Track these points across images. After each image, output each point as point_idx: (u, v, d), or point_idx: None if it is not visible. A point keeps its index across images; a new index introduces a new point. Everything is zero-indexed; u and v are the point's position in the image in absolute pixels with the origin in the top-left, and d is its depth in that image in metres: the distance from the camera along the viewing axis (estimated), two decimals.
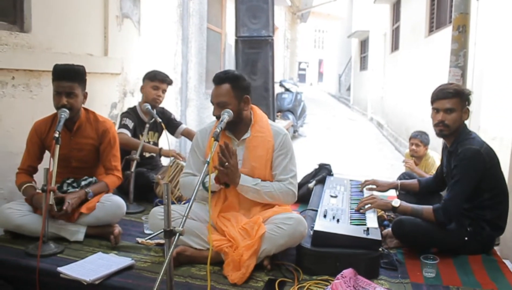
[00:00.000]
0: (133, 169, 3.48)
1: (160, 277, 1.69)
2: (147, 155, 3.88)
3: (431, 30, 8.24)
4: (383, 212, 3.23)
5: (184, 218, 1.90)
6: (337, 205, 3.01)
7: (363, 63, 18.64)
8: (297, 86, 12.39)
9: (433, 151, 4.48)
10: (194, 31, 6.89)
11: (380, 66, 14.07)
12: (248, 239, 2.48)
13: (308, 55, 32.95)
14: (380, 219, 3.12)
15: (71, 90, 2.82)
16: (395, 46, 12.10)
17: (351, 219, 2.77)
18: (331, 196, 3.19)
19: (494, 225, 2.77)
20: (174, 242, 1.82)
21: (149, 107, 3.67)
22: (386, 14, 13.31)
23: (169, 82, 3.90)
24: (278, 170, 2.72)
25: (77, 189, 2.93)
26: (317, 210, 2.91)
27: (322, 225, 2.59)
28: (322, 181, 3.78)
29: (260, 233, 2.45)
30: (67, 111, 2.77)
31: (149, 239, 2.72)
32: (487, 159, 2.71)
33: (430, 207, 2.72)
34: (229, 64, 8.76)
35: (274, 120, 6.03)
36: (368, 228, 2.57)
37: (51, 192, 2.57)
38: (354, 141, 11.03)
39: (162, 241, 2.73)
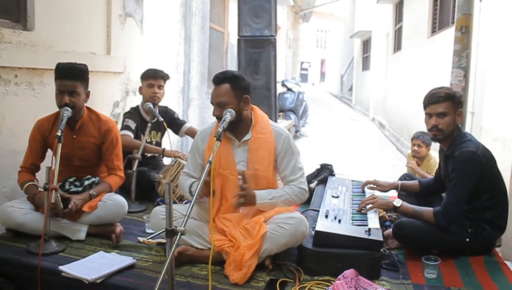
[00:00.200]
0: (135, 168, 3.48)
1: (161, 277, 1.69)
2: (149, 154, 3.88)
3: (433, 31, 8.22)
4: (384, 212, 3.23)
5: (186, 217, 1.90)
6: (339, 205, 3.01)
7: (365, 63, 18.61)
8: (299, 86, 12.37)
9: (435, 152, 4.45)
10: (196, 31, 6.89)
11: (382, 67, 14.05)
12: (250, 238, 2.48)
13: (310, 55, 32.91)
14: (382, 220, 3.11)
15: (73, 89, 2.82)
16: (397, 46, 12.08)
17: (352, 220, 2.77)
18: (333, 196, 3.19)
19: (495, 225, 2.77)
20: (176, 242, 1.82)
21: (151, 106, 3.68)
22: (389, 14, 13.29)
23: (163, 76, 3.88)
24: (287, 172, 2.74)
25: (79, 188, 2.94)
26: (318, 210, 2.91)
27: (323, 225, 2.59)
28: (324, 181, 3.78)
29: (262, 233, 2.45)
30: (70, 110, 2.77)
31: (151, 238, 2.74)
32: (484, 160, 2.71)
33: (431, 209, 2.72)
34: (232, 63, 8.76)
35: (276, 120, 6.03)
36: (369, 229, 2.56)
37: (54, 191, 2.57)
38: (356, 141, 11.02)
39: (163, 241, 2.73)
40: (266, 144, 2.72)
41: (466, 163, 2.69)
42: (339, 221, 2.70)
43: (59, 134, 2.58)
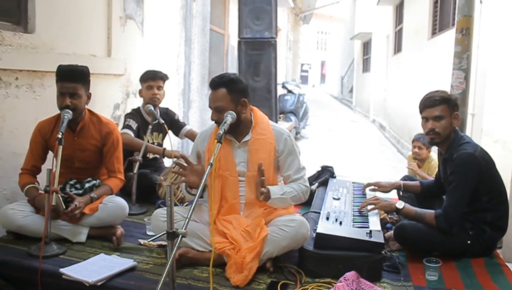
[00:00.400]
0: (135, 170, 3.48)
1: (162, 279, 1.69)
2: (150, 156, 3.88)
3: (434, 33, 8.22)
4: (385, 214, 3.23)
5: (187, 220, 1.90)
6: (340, 207, 3.01)
7: (366, 65, 18.62)
8: (299, 88, 12.38)
9: (436, 153, 4.46)
10: (197, 33, 6.90)
11: (382, 68, 14.05)
12: (251, 241, 2.48)
13: (311, 56, 32.94)
14: (383, 222, 3.11)
15: (74, 91, 2.82)
16: (398, 48, 12.09)
17: (353, 222, 2.77)
18: (334, 198, 3.18)
19: (495, 227, 2.77)
20: (177, 244, 1.82)
21: (152, 108, 3.68)
22: (389, 16, 13.30)
23: (161, 77, 3.88)
24: (291, 171, 2.74)
25: (80, 190, 2.94)
26: (319, 212, 2.91)
27: (324, 227, 2.59)
28: (324, 183, 3.78)
29: (263, 235, 2.45)
30: (70, 112, 2.77)
31: (152, 240, 2.73)
32: (482, 162, 2.71)
33: (433, 212, 2.72)
34: (232, 65, 8.76)
35: (276, 122, 6.03)
36: (370, 231, 2.56)
37: (55, 193, 2.57)
38: (356, 143, 11.02)
39: (164, 243, 2.73)
40: (266, 145, 2.71)
41: (464, 165, 2.70)
42: (340, 223, 2.69)
43: (59, 136, 2.58)
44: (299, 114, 11.30)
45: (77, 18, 3.78)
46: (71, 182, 2.97)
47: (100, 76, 4.06)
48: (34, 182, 2.92)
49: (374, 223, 2.73)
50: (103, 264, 2.47)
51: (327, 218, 2.74)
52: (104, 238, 2.86)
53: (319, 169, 4.10)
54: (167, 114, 4.06)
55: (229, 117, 2.53)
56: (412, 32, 10.01)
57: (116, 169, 3.09)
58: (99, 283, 2.29)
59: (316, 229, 2.58)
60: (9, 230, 2.81)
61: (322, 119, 15.29)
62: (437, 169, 3.74)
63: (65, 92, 2.81)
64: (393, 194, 3.53)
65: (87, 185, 2.98)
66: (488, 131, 5.12)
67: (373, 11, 15.19)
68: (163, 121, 3.66)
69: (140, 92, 3.91)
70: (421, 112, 2.89)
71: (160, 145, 4.00)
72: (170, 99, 5.59)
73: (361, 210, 2.92)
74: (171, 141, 3.67)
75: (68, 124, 2.77)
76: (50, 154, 2.95)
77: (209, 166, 2.15)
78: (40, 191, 2.83)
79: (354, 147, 10.31)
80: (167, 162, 4.15)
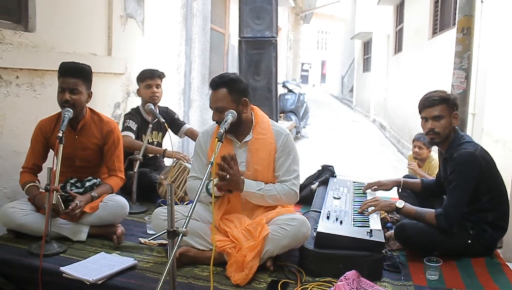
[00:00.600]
0: (136, 169, 3.48)
1: (163, 278, 1.69)
2: (151, 155, 3.88)
3: (434, 32, 8.22)
4: (386, 214, 3.23)
5: (188, 218, 1.90)
6: (340, 206, 3.01)
7: (366, 65, 18.62)
8: (300, 87, 12.38)
9: (437, 153, 4.46)
10: (197, 32, 6.90)
11: (383, 68, 14.05)
12: (251, 240, 2.48)
13: (311, 56, 32.97)
14: (383, 221, 3.11)
15: (75, 86, 2.83)
16: (398, 47, 12.08)
17: (354, 221, 2.76)
18: (334, 198, 3.18)
19: (496, 226, 2.77)
20: (177, 243, 1.82)
21: (152, 107, 3.68)
22: (390, 15, 13.29)
23: (159, 75, 3.89)
24: (281, 171, 2.72)
25: (80, 189, 2.94)
26: (320, 212, 2.91)
27: (325, 226, 2.59)
28: (325, 183, 3.77)
29: (264, 234, 2.45)
30: (71, 110, 2.77)
31: (152, 239, 2.74)
32: (483, 162, 2.71)
33: (433, 211, 2.72)
34: (232, 64, 8.76)
35: (277, 121, 6.03)
36: (371, 230, 2.56)
37: (55, 192, 2.57)
38: (356, 142, 11.01)
39: (164, 242, 2.73)
40: (266, 144, 2.71)
41: (464, 164, 2.69)
42: (341, 222, 2.69)
43: (60, 135, 2.58)
44: (300, 114, 11.29)
45: (78, 17, 3.78)
46: (72, 181, 2.97)
47: (101, 75, 4.06)
48: (34, 180, 2.92)
49: (375, 222, 2.73)
50: (104, 263, 2.47)
51: (328, 217, 2.74)
52: (104, 236, 2.86)
53: (320, 168, 4.10)
54: (167, 113, 4.06)
55: (230, 116, 2.52)
56: (412, 32, 10.00)
57: (116, 168, 3.09)
58: (99, 282, 2.29)
59: (316, 228, 2.58)
60: (10, 228, 2.81)
61: (322, 119, 15.29)
62: (437, 169, 3.74)
63: (65, 87, 2.81)
64: (393, 194, 3.53)
65: (87, 183, 2.98)
66: (488, 130, 5.12)
67: (374, 10, 15.18)
68: (163, 120, 3.66)
69: (138, 91, 3.91)
70: (420, 112, 2.89)
71: (160, 144, 4.00)
72: (171, 98, 5.60)
73: (362, 212, 2.92)
74: (171, 140, 3.66)
75: (69, 122, 2.77)
76: (51, 153, 2.95)
77: (209, 165, 2.14)
78: (40, 190, 2.84)
79: (354, 147, 10.31)
80: (167, 161, 4.15)
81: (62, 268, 2.37)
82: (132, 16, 4.70)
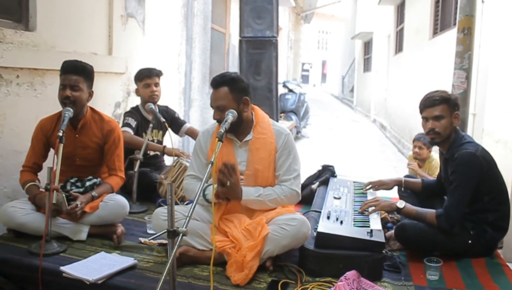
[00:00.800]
0: (136, 169, 3.48)
1: (163, 277, 1.69)
2: (151, 153, 3.88)
3: (435, 32, 8.21)
4: (386, 214, 3.22)
5: (188, 218, 1.90)
6: (341, 206, 3.01)
7: (367, 65, 18.61)
8: (300, 87, 12.37)
9: (437, 153, 4.45)
10: (198, 31, 6.89)
11: (383, 68, 14.04)
12: (251, 240, 2.47)
13: (312, 56, 32.98)
14: (384, 221, 3.11)
15: (76, 83, 2.83)
16: (399, 47, 12.08)
17: (354, 221, 2.76)
18: (335, 198, 3.18)
19: (497, 227, 2.76)
20: (178, 243, 1.81)
21: (152, 106, 3.68)
22: (390, 15, 13.28)
23: (157, 73, 3.89)
24: (281, 171, 2.72)
25: (80, 189, 2.94)
26: (320, 212, 2.91)
27: (325, 226, 2.58)
28: (325, 183, 3.77)
29: (263, 234, 2.44)
30: (71, 110, 2.77)
31: (152, 239, 2.74)
32: (483, 162, 2.71)
33: (434, 211, 2.71)
34: (233, 64, 8.76)
35: (277, 121, 6.02)
36: (371, 230, 2.56)
37: (56, 191, 2.57)
38: (357, 142, 11.01)
39: (164, 241, 2.73)
40: (266, 144, 2.71)
41: (465, 165, 2.69)
42: (341, 222, 2.69)
43: (60, 134, 2.58)
44: (300, 114, 11.29)
45: (78, 16, 3.78)
46: (72, 180, 2.97)
47: (101, 74, 4.06)
48: (34, 180, 2.92)
49: (375, 222, 2.73)
50: (104, 262, 2.47)
51: (328, 217, 2.74)
52: (104, 236, 2.86)
53: (320, 168, 4.10)
54: (167, 112, 4.06)
55: (230, 115, 2.52)
56: (413, 32, 10.00)
57: (117, 167, 3.09)
58: (99, 281, 2.29)
59: (317, 228, 2.57)
60: (10, 228, 2.81)
61: (323, 119, 15.29)
62: (438, 169, 3.74)
63: (66, 83, 2.82)
64: (393, 194, 3.53)
65: (87, 183, 2.98)
66: (489, 131, 5.12)
67: (374, 10, 15.18)
68: (163, 119, 3.66)
69: (137, 91, 3.91)
70: (421, 112, 2.89)
71: (160, 142, 4.00)
72: (171, 97, 5.59)
73: (362, 212, 2.92)
74: (171, 139, 3.66)
75: (70, 121, 2.77)
76: (52, 152, 2.95)
77: (210, 165, 2.14)
78: (40, 189, 2.84)
79: (355, 147, 10.31)
80: (168, 160, 4.15)
81: (62, 268, 2.37)
82: (133, 15, 4.70)
